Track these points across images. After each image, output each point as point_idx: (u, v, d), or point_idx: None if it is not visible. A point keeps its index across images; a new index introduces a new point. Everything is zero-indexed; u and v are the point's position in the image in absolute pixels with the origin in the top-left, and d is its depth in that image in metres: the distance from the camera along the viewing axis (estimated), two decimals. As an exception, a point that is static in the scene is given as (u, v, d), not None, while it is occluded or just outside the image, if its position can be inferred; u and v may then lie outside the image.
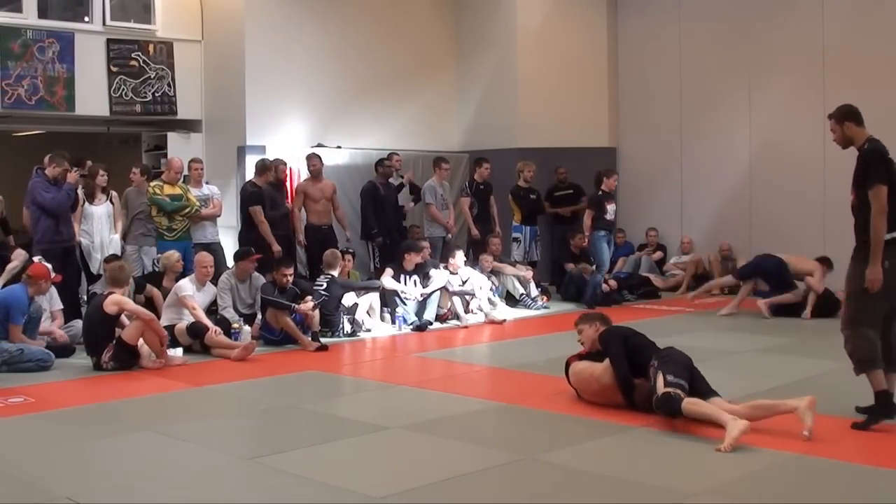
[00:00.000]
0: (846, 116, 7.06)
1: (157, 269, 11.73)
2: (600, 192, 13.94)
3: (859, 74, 14.09)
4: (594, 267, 14.24)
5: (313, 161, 13.60)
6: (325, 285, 11.37)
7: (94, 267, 11.75)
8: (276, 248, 12.32)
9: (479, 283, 12.82)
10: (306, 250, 13.41)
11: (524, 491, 5.50)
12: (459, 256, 12.84)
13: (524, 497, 5.39)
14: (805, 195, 14.57)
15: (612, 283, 14.50)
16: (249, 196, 12.67)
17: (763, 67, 15.27)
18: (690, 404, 6.46)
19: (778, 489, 5.52)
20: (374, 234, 13.64)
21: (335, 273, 11.63)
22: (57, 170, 10.87)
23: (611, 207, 13.92)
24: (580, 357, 7.70)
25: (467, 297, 12.61)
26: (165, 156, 14.36)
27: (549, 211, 15.56)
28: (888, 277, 6.63)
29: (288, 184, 13.88)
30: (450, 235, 14.29)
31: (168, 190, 12.14)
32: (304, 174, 14.10)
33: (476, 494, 5.44)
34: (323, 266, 11.81)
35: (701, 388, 6.73)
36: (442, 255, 13.25)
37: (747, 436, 6.14)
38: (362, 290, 11.88)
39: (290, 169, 14.01)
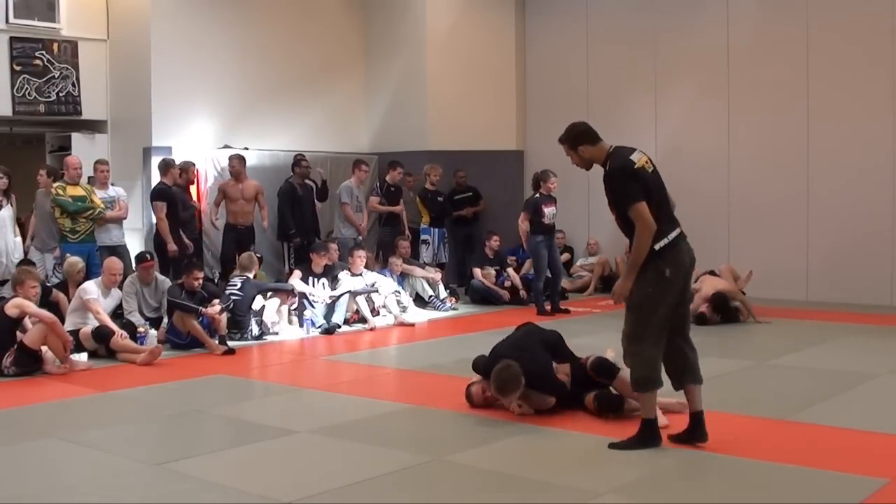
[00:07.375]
0: (578, 140, 6.41)
1: (58, 275, 11.58)
2: (536, 196, 13.47)
3: (762, 79, 14.42)
4: (533, 271, 14.14)
5: (232, 162, 13.69)
6: (239, 285, 11.32)
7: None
8: (172, 247, 12.34)
9: (385, 284, 12.83)
10: (222, 249, 13.49)
11: (433, 493, 5.54)
12: (360, 255, 12.77)
13: (433, 499, 5.43)
14: (710, 197, 14.83)
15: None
16: (156, 193, 12.64)
17: (669, 71, 15.54)
18: None
19: (683, 488, 5.60)
20: (292, 235, 13.66)
21: (250, 275, 11.59)
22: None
23: (549, 211, 13.37)
24: None
25: (373, 299, 12.61)
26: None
27: (452, 215, 15.71)
28: (671, 284, 6.12)
29: (197, 185, 13.86)
30: (360, 238, 14.28)
31: (71, 191, 11.96)
32: (212, 176, 14.33)
33: (384, 497, 5.46)
34: (238, 268, 11.77)
35: None
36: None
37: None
38: (275, 291, 11.83)
39: (197, 171, 13.93)
